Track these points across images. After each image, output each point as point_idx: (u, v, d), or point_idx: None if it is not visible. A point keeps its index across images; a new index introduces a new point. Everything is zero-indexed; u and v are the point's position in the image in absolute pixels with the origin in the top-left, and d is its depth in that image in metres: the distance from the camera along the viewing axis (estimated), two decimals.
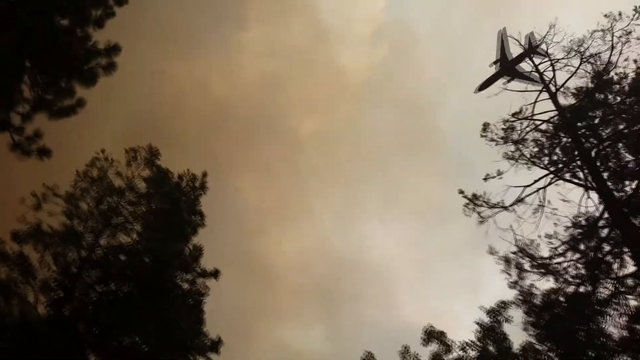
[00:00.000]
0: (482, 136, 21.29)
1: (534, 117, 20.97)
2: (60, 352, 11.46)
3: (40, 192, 15.60)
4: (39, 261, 14.77)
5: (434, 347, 16.12)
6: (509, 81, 31.96)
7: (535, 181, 18.49)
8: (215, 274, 14.87)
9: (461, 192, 19.77)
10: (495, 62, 33.24)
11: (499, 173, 19.48)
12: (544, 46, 27.25)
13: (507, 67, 31.95)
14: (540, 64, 27.19)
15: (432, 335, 16.05)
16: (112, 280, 14.55)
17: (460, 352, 15.69)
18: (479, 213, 18.91)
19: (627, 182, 16.79)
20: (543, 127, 20.38)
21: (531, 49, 30.66)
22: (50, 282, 14.55)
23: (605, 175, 17.29)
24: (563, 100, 20.42)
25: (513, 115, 21.55)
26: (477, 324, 15.55)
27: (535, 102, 21.27)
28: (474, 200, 19.32)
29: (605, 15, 19.88)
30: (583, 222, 17.14)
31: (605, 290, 15.41)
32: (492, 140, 20.85)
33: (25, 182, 16.13)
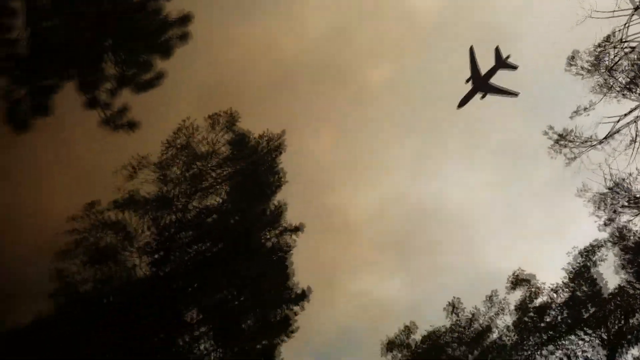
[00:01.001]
0: (567, 69, 19.71)
1: (627, 41, 18.96)
2: (161, 308, 12.55)
3: (133, 163, 16.68)
4: (138, 226, 16.00)
5: (522, 291, 15.76)
6: (483, 97, 36.34)
7: (630, 111, 17.04)
8: (297, 229, 15.38)
9: (548, 130, 18.72)
10: (468, 80, 36.55)
11: (587, 107, 18.12)
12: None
13: (480, 83, 35.40)
14: None
15: (519, 279, 15.68)
16: (203, 240, 15.54)
17: (550, 296, 15.23)
18: (566, 152, 17.87)
19: None
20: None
21: (501, 62, 34.74)
22: (149, 244, 15.81)
23: None
24: None
25: (602, 41, 19.56)
26: (567, 267, 15.02)
27: (627, 25, 19.06)
28: (560, 139, 18.20)
29: None
30: None
31: None
32: (579, 72, 19.24)
33: (118, 155, 17.34)
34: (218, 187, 17.55)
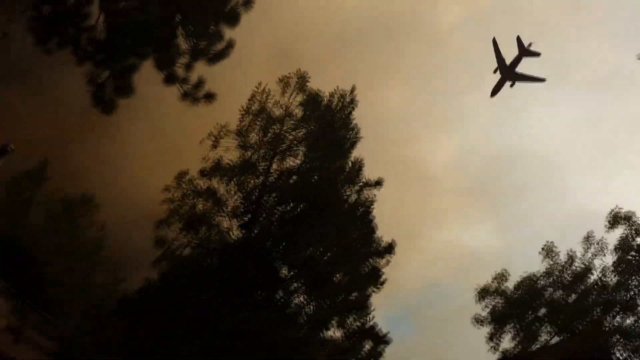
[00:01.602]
0: None
1: None
2: (254, 267, 13.18)
3: (215, 132, 17.35)
4: (225, 192, 16.78)
5: (621, 230, 14.80)
6: (512, 85, 38.34)
7: None
8: (378, 183, 15.39)
9: None
10: (496, 70, 38.81)
11: None
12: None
13: (507, 72, 37.50)
14: None
15: (618, 217, 14.69)
16: (287, 201, 16.03)
17: None
18: None
19: None
20: None
21: (524, 51, 36.87)
22: (237, 208, 16.57)
23: None
24: None
25: None
26: None
27: None
28: None
29: None
30: None
31: None
32: None
33: (200, 126, 18.11)
34: (295, 148, 17.89)
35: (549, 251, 32.41)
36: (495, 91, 39.64)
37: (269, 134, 17.74)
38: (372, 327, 13.15)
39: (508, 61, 37.77)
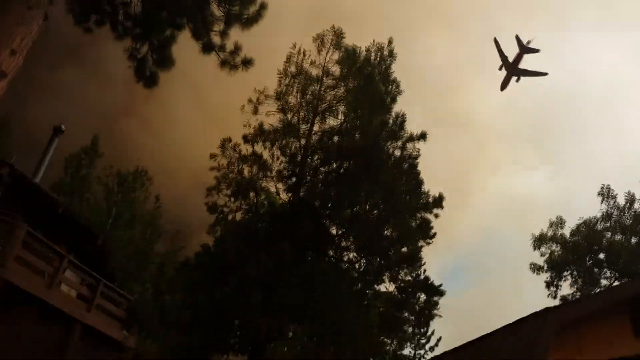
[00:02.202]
0: None
1: None
2: (304, 227, 13.39)
3: (255, 97, 17.42)
4: (270, 156, 16.97)
5: None
6: (517, 80, 42.44)
7: None
8: (422, 136, 15.12)
9: None
10: (501, 67, 43.40)
11: None
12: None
13: (511, 68, 41.22)
14: None
15: None
16: (331, 160, 16.05)
17: None
18: None
19: None
20: None
21: (523, 48, 41.32)
22: (283, 171, 16.76)
23: None
24: None
25: None
26: None
27: None
28: None
29: None
30: None
31: None
32: None
33: (240, 92, 18.22)
34: (335, 107, 17.76)
35: (606, 194, 31.33)
36: (503, 86, 43.05)
37: (308, 95, 17.66)
38: (426, 279, 13.20)
39: (511, 58, 41.55)
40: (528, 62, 42.48)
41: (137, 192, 46.27)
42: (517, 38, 40.99)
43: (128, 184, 45.46)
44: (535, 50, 41.88)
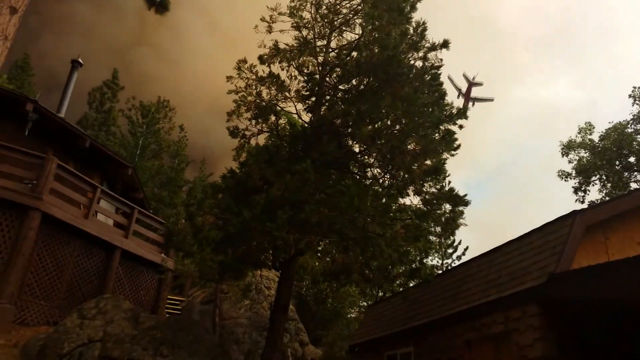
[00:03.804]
0: None
1: None
2: (325, 146, 13.38)
3: (267, 16, 16.84)
4: (287, 77, 16.66)
5: None
6: (473, 104, 76.20)
7: None
8: (444, 45, 14.49)
9: None
10: (458, 96, 79.91)
11: None
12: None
13: (465, 98, 77.25)
14: None
15: None
16: (350, 77, 15.67)
17: None
18: None
19: None
20: None
21: (470, 84, 77.96)
22: (301, 91, 16.51)
23: None
24: None
25: None
26: None
27: None
28: None
29: None
30: None
31: None
32: None
33: (251, 12, 17.62)
34: (352, 20, 17.09)
35: (638, 96, 30.27)
36: (465, 107, 58.60)
37: (323, 9, 16.97)
38: (450, 190, 13.22)
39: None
40: None
41: (161, 123, 46.78)
42: (465, 74, 69.64)
43: (152, 115, 45.88)
44: (480, 84, 68.81)
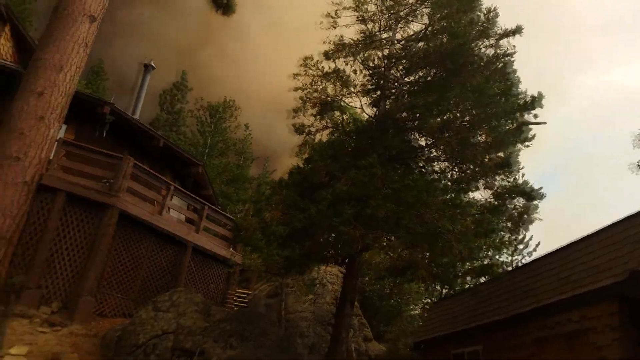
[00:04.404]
0: None
1: None
2: (391, 139, 13.12)
3: (331, 11, 16.77)
4: (352, 71, 16.50)
5: None
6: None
7: None
8: (516, 31, 13.79)
9: None
10: None
11: None
12: None
13: None
14: None
15: None
16: (417, 68, 15.29)
17: None
18: None
19: None
20: None
21: None
22: (366, 85, 16.31)
23: None
24: None
25: None
26: None
27: None
28: None
29: None
30: None
31: None
32: None
33: (312, 12, 17.58)
34: (418, 10, 16.67)
35: None
36: None
37: (388, 0, 16.67)
38: (524, 183, 12.57)
39: None
40: None
41: (228, 122, 48.14)
42: None
43: (219, 115, 47.32)
44: None
